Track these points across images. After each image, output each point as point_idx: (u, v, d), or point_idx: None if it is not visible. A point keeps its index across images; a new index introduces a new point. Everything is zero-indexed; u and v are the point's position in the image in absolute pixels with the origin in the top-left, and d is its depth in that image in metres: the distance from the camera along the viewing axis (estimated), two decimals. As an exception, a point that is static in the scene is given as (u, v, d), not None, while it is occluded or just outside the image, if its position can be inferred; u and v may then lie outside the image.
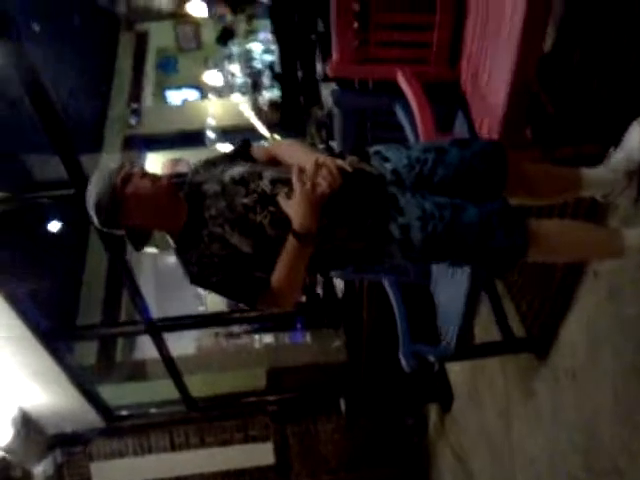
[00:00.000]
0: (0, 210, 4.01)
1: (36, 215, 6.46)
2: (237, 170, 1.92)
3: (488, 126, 2.13)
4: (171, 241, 1.94)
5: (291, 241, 1.77)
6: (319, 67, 3.38)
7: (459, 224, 1.84)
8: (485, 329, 3.19)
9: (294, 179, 1.75)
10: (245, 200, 1.86)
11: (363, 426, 5.86)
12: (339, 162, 1.79)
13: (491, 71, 2.12)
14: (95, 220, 1.86)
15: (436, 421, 5.27)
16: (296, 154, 1.93)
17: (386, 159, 1.96)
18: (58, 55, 7.31)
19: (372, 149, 2.01)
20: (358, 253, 1.92)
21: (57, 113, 3.43)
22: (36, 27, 7.05)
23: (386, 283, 3.43)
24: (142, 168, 1.89)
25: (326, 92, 3.57)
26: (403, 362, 3.01)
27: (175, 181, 1.96)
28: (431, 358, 3.16)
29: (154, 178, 1.87)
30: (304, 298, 6.04)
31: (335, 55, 2.41)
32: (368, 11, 2.30)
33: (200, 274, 1.86)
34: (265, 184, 1.87)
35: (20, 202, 4.03)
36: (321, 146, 3.56)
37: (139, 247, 1.93)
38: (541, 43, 2.00)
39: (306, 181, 1.74)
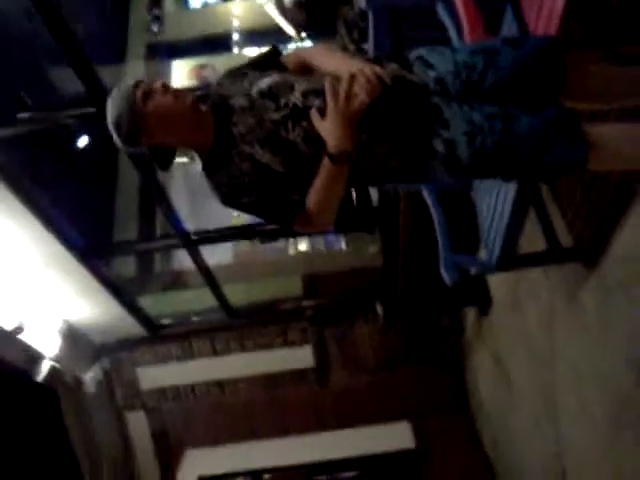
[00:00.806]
0: (25, 131, 3.93)
1: (64, 132, 6.36)
2: (265, 82, 1.77)
3: (544, 23, 1.92)
4: (198, 160, 1.83)
5: (326, 163, 1.65)
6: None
7: (511, 137, 1.69)
8: (529, 237, 3.06)
9: (327, 92, 1.60)
10: (275, 115, 1.73)
11: (400, 327, 5.89)
12: (377, 70, 1.62)
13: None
14: (116, 139, 1.75)
15: (473, 323, 5.27)
16: (330, 61, 1.76)
17: (430, 65, 1.78)
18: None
19: (413, 54, 1.83)
20: (398, 170, 1.80)
21: (69, 29, 3.25)
22: None
23: (424, 191, 3.30)
24: (164, 82, 1.74)
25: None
26: (444, 275, 2.93)
27: (200, 94, 1.82)
28: (473, 270, 3.08)
29: (177, 93, 1.73)
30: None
31: (368, -52, 2.17)
32: None
33: (231, 194, 1.77)
34: (296, 97, 1.73)
35: (42, 122, 3.93)
36: (352, 48, 3.31)
37: (164, 167, 1.83)
38: None
39: (340, 94, 1.59)
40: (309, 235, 7.05)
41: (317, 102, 1.69)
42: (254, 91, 1.77)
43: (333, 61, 1.75)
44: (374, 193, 4.95)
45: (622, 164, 1.82)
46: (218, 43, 9.16)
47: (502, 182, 2.65)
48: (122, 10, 8.87)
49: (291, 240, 9.07)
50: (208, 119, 1.79)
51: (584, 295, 2.95)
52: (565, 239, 2.96)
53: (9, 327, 4.55)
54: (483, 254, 3.04)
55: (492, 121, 1.69)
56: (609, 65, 1.86)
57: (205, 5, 10.42)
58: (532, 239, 2.98)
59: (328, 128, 1.61)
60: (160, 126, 1.73)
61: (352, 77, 1.58)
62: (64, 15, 3.22)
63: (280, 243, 9.16)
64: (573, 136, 1.67)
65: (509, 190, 2.59)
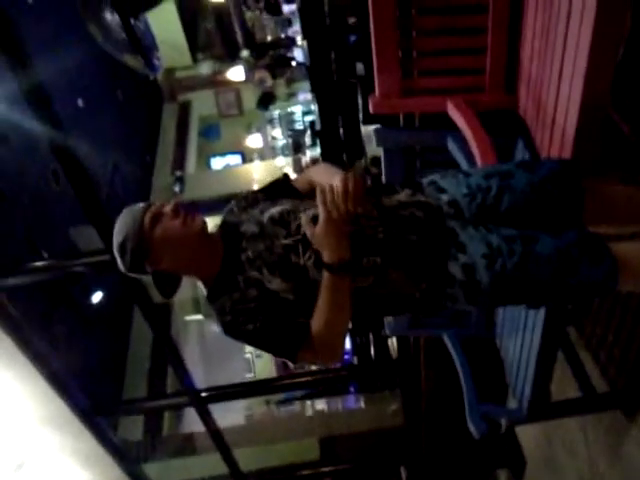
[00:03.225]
0: (41, 279, 3.91)
1: (80, 286, 6.39)
2: (276, 209, 1.72)
3: (557, 151, 1.89)
4: (203, 288, 1.73)
5: (326, 277, 1.54)
6: (360, 110, 3.24)
7: (532, 259, 1.59)
8: (559, 384, 2.86)
9: (318, 202, 1.52)
10: (286, 241, 1.65)
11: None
12: (350, 175, 1.53)
13: (558, 93, 1.89)
14: (120, 264, 1.66)
15: (507, 490, 4.81)
16: (322, 177, 1.72)
17: (442, 190, 1.73)
18: (103, 129, 7.43)
19: (426, 180, 1.79)
20: (415, 299, 1.67)
21: (90, 183, 3.36)
22: (80, 102, 7.18)
23: (445, 338, 3.15)
24: (174, 206, 1.68)
25: (369, 138, 3.42)
26: (471, 427, 2.70)
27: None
28: (502, 421, 2.84)
29: (186, 218, 1.66)
30: (356, 360, 5.76)
31: (378, 90, 2.23)
32: (410, 37, 2.11)
33: (234, 323, 1.63)
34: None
35: (58, 270, 3.92)
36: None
37: (168, 295, 1.72)
38: (614, 57, 1.76)
39: (329, 206, 1.50)
40: (325, 389, 6.74)
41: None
42: (265, 218, 1.72)
43: (324, 176, 1.71)
44: (392, 344, 4.79)
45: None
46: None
47: (526, 320, 2.52)
48: (146, 171, 9.34)
49: (308, 402, 8.79)
50: (217, 246, 1.72)
51: (628, 448, 2.67)
52: (599, 383, 2.74)
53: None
54: (512, 403, 2.82)
55: (511, 244, 1.61)
56: (627, 186, 1.80)
57: (226, 167, 10.97)
58: (563, 385, 2.77)
59: (321, 240, 1.53)
60: (167, 252, 1.64)
61: (331, 192, 1.50)
62: (91, 178, 3.35)
63: (296, 405, 8.85)
64: (599, 254, 1.57)
65: (534, 333, 2.45)
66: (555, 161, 1.79)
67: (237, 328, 1.64)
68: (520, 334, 2.63)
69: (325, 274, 1.54)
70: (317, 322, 1.59)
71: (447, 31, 2.12)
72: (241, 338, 1.67)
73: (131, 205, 1.70)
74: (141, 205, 1.68)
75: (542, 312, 2.28)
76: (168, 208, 1.66)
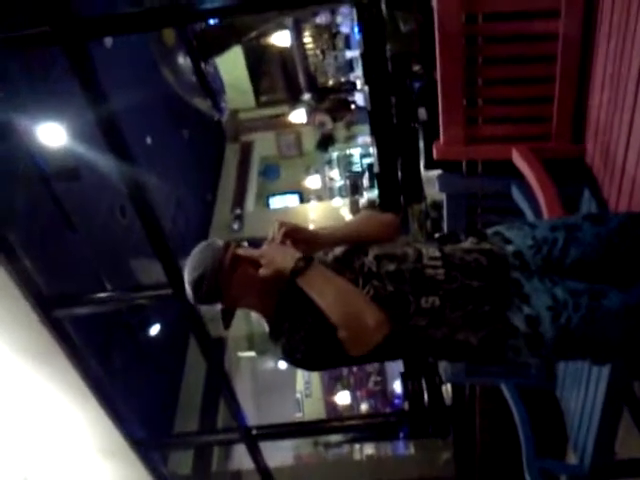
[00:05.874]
0: (104, 310, 4.03)
1: (139, 319, 6.53)
2: (340, 249, 1.77)
3: (626, 200, 1.87)
4: (265, 324, 1.77)
5: (301, 282, 1.59)
6: (422, 155, 3.27)
7: (600, 314, 1.55)
8: (624, 442, 2.74)
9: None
10: (347, 275, 1.68)
11: None
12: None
13: (628, 144, 1.87)
14: (191, 295, 1.71)
15: None
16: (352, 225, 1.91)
17: (507, 240, 1.72)
18: (169, 166, 7.69)
19: (491, 230, 1.78)
20: (473, 347, 1.65)
21: (157, 221, 3.50)
22: (149, 140, 7.46)
23: (504, 388, 3.08)
24: (249, 251, 1.73)
25: (429, 181, 3.44)
26: (529, 482, 2.61)
27: None
28: (563, 478, 2.75)
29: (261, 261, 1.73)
30: (407, 405, 5.66)
31: (443, 136, 2.25)
32: (475, 85, 2.14)
33: (291, 341, 1.66)
34: (369, 260, 1.69)
35: (121, 302, 4.04)
36: (423, 240, 3.43)
37: (229, 326, 1.77)
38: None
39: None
40: (374, 434, 6.61)
41: (392, 266, 1.65)
42: (329, 258, 1.77)
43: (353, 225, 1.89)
44: (447, 391, 4.70)
45: None
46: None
47: (589, 372, 2.45)
48: (207, 208, 9.57)
49: (357, 445, 8.64)
50: (280, 286, 1.77)
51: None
52: (668, 444, 2.62)
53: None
54: (572, 458, 2.72)
55: (577, 297, 1.58)
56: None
57: (284, 206, 11.16)
58: (628, 443, 2.66)
59: (272, 266, 1.62)
60: (243, 294, 1.70)
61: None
62: (156, 215, 3.50)
63: (345, 448, 8.73)
64: None
65: (599, 387, 2.38)
66: (623, 214, 1.77)
67: (294, 348, 1.65)
68: (583, 387, 2.56)
69: (299, 281, 1.59)
70: (330, 316, 1.58)
71: (513, 80, 2.14)
72: (299, 353, 1.66)
73: (208, 241, 1.75)
74: (220, 244, 1.72)
75: (607, 365, 2.23)
76: (244, 252, 1.71)
